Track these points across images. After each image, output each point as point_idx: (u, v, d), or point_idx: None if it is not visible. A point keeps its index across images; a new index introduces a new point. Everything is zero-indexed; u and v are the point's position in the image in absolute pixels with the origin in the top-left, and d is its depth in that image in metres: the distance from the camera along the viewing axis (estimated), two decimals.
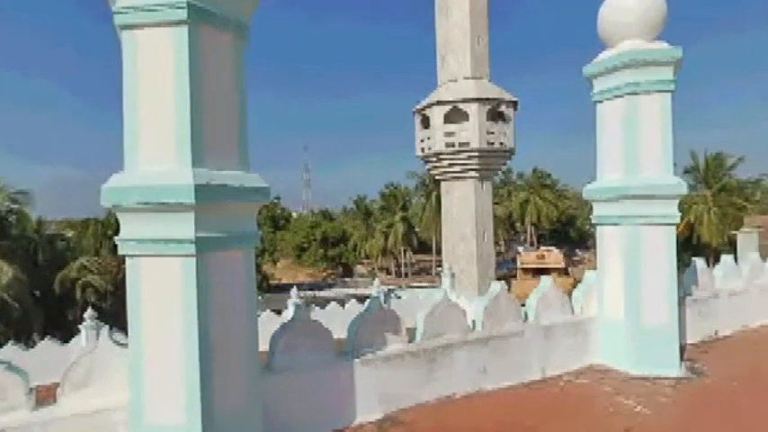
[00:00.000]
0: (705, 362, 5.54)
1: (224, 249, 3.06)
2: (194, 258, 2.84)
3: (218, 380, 3.01)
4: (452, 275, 14.06)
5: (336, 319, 10.40)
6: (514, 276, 48.08)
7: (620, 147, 5.33)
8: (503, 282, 5.45)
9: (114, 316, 20.72)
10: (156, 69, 2.91)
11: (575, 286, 6.00)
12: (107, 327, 4.29)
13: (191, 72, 2.88)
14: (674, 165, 5.27)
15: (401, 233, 56.94)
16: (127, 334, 2.97)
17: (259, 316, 9.75)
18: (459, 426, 4.09)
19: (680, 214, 5.31)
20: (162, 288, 2.89)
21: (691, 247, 37.51)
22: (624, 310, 5.34)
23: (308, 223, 67.48)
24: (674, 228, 5.26)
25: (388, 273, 62.07)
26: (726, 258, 7.30)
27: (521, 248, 61.96)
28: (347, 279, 57.10)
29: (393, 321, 4.47)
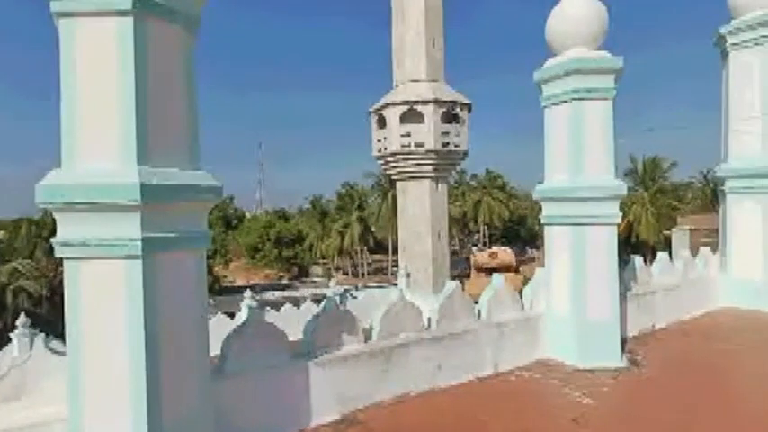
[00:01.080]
0: (643, 353, 5.90)
1: (172, 250, 2.94)
2: (140, 260, 2.72)
3: (167, 388, 2.88)
4: (408, 275, 14.19)
5: (292, 321, 10.20)
6: (468, 275, 49.18)
7: (566, 150, 5.58)
8: (457, 280, 5.57)
9: (50, 323, 19.42)
10: (97, 61, 2.75)
11: (525, 284, 6.23)
12: (42, 334, 4.02)
13: (136, 65, 2.75)
14: (616, 168, 5.59)
15: (357, 233, 56.91)
16: (65, 342, 2.79)
17: (210, 319, 9.44)
18: (415, 423, 4.14)
19: (621, 214, 5.63)
20: (104, 292, 2.74)
21: (630, 245, 39.87)
22: (570, 305, 5.60)
23: (263, 223, 66.05)
24: (616, 227, 5.57)
25: (345, 273, 61.85)
26: (661, 255, 7.80)
27: (474, 248, 63.52)
28: (303, 280, 56.38)
29: (349, 321, 4.46)
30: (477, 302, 5.56)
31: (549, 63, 5.75)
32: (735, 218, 8.28)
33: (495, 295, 5.56)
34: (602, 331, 5.52)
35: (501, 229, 69.29)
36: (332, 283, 15.22)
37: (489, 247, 59.05)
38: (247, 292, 13.74)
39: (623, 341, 5.91)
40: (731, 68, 8.22)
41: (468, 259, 55.58)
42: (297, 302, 13.78)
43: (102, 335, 2.76)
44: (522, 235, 72.30)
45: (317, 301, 14.79)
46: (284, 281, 57.16)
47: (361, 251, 60.19)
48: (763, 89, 7.87)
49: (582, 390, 4.79)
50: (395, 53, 14.27)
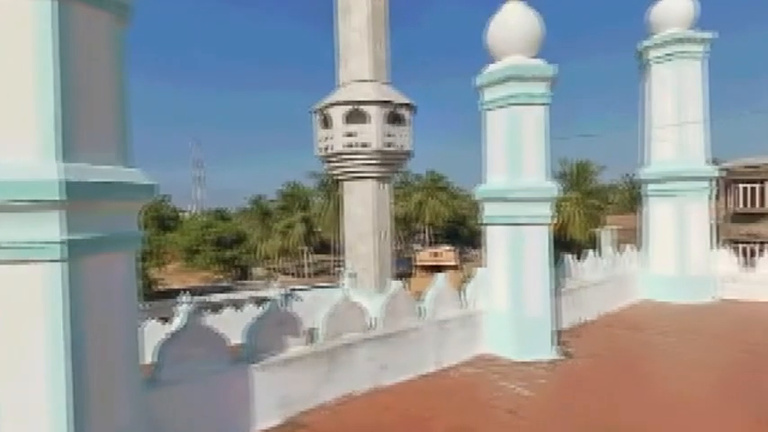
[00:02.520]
0: (574, 344, 6.28)
1: (100, 253, 2.74)
2: (62, 264, 2.50)
3: (94, 401, 2.68)
4: (353, 275, 14.17)
5: (232, 324, 9.86)
6: (412, 274, 49.95)
7: (504, 153, 5.82)
8: (401, 280, 5.64)
9: None
10: (11, 44, 2.51)
11: (466, 282, 6.42)
12: None
13: (60, 52, 2.53)
14: (549, 170, 5.90)
15: (301, 233, 56.06)
16: None
17: (143, 325, 8.92)
18: (359, 423, 4.14)
19: (554, 214, 5.95)
20: (20, 299, 2.50)
21: (562, 243, 42.21)
22: (508, 302, 5.84)
23: (201, 223, 63.25)
24: (550, 227, 5.88)
25: (288, 274, 60.70)
26: (589, 253, 8.34)
27: (418, 247, 64.62)
28: (244, 282, 54.63)
29: (293, 323, 4.38)
30: (420, 301, 5.66)
31: (489, 69, 5.96)
32: (653, 218, 9.02)
33: (437, 294, 5.68)
34: (537, 326, 5.81)
35: (443, 228, 70.98)
36: (274, 284, 14.90)
37: (432, 247, 60.34)
38: (184, 296, 13.13)
39: (556, 334, 6.25)
40: (649, 80, 8.95)
41: (411, 258, 56.46)
42: (238, 305, 13.34)
43: (17, 347, 2.51)
44: (464, 234, 74.47)
45: (259, 303, 14.42)
46: (224, 283, 55.12)
47: (305, 251, 59.36)
48: (676, 100, 8.63)
49: (519, 382, 5.02)
50: (339, 53, 14.19)
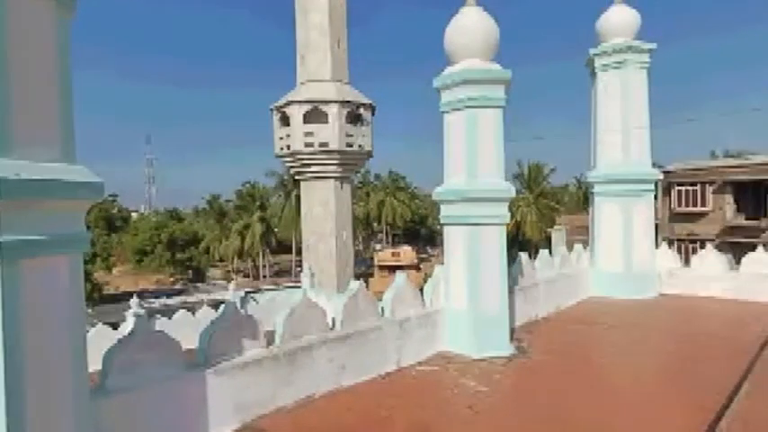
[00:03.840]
0: (529, 341, 6.49)
1: (41, 255, 2.57)
2: None
3: (34, 415, 2.52)
4: (312, 275, 14.04)
5: (187, 329, 9.56)
6: (372, 274, 50.05)
7: (462, 154, 5.94)
8: (361, 279, 5.63)
9: None
10: None
11: (426, 281, 6.50)
12: None
13: None
14: (505, 172, 6.07)
15: (259, 234, 54.90)
16: None
17: (89, 331, 8.46)
18: (317, 425, 4.11)
19: (510, 214, 6.13)
20: None
21: (517, 243, 43.58)
22: (466, 300, 5.96)
23: (153, 224, 60.70)
24: (506, 227, 6.05)
25: (246, 275, 59.30)
26: (543, 252, 8.65)
27: (378, 247, 64.83)
28: (199, 284, 52.88)
29: (250, 326, 4.29)
30: (380, 300, 5.68)
31: (447, 71, 6.07)
32: (601, 218, 9.46)
33: (397, 293, 5.72)
34: (494, 323, 5.96)
35: (403, 228, 71.57)
36: (231, 286, 14.52)
37: (392, 247, 60.69)
38: (134, 300, 12.56)
39: (512, 331, 6.45)
40: (597, 86, 9.38)
41: (371, 258, 56.57)
42: (192, 309, 12.89)
43: None
44: (423, 234, 75.41)
45: (215, 306, 13.98)
46: (178, 286, 53.16)
47: (263, 252, 58.20)
48: (623, 106, 9.09)
49: (477, 379, 5.13)
50: (298, 50, 14.02)
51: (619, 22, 9.04)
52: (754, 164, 24.18)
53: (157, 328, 3.79)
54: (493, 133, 5.89)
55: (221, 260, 60.30)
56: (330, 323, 5.02)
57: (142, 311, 11.69)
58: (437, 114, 6.24)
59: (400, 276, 5.93)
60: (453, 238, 6.12)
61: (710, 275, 9.10)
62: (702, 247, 10.09)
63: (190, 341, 4.11)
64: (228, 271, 59.64)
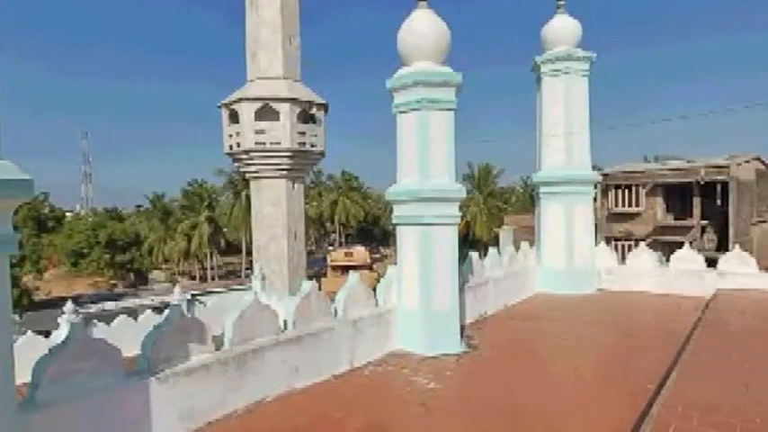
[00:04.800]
0: (478, 337, 6.67)
1: None
2: None
3: None
4: (263, 277, 13.72)
5: (128, 335, 9.09)
6: (325, 274, 49.63)
7: (415, 155, 6.01)
8: (314, 280, 5.58)
9: None
10: None
11: (379, 281, 6.53)
12: None
13: None
14: (456, 173, 6.21)
15: (207, 234, 52.95)
16: None
17: (16, 341, 7.83)
18: (268, 429, 4.03)
19: (461, 214, 6.28)
20: None
21: (467, 242, 44.71)
22: (419, 299, 6.05)
23: (89, 224, 57.01)
24: (457, 226, 6.19)
25: (192, 278, 57.04)
26: (492, 251, 8.92)
27: (331, 247, 64.37)
28: (141, 288, 50.28)
29: (197, 330, 4.13)
30: (333, 301, 5.65)
31: (399, 73, 6.13)
32: (546, 218, 9.89)
33: (350, 293, 5.71)
34: (446, 321, 6.08)
35: (356, 228, 71.50)
36: (176, 289, 13.93)
37: (345, 247, 60.47)
38: (68, 305, 11.75)
39: (462, 328, 6.60)
40: (542, 92, 9.80)
41: (324, 258, 56.09)
42: (134, 314, 12.26)
43: None
44: (376, 234, 75.67)
45: (158, 310, 13.37)
46: (118, 290, 50.27)
47: (211, 253, 56.23)
48: (565, 111, 9.55)
49: (428, 376, 5.22)
50: (249, 46, 13.64)
51: (561, 31, 9.49)
52: (677, 168, 26.15)
53: (95, 335, 3.57)
54: (444, 135, 6.01)
55: (166, 262, 57.65)
56: (282, 325, 4.93)
57: (78, 318, 10.97)
58: (390, 115, 6.28)
59: (353, 276, 5.92)
60: (406, 238, 6.18)
61: (644, 272, 9.75)
62: (637, 245, 10.80)
63: (132, 348, 3.91)
64: (173, 273, 57.13)
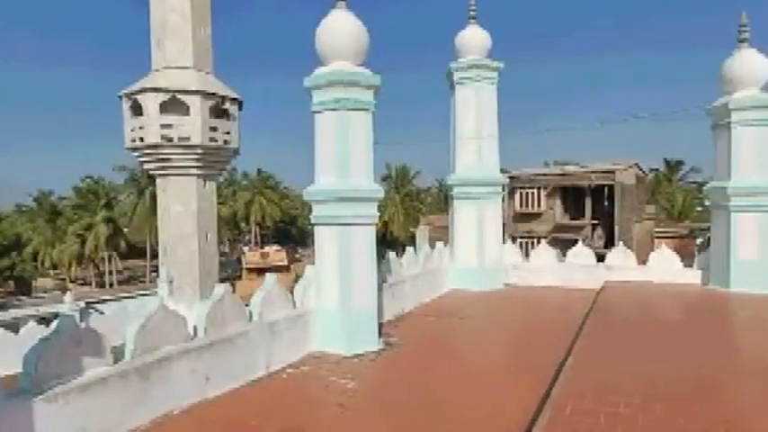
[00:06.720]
0: (397, 334, 6.81)
1: None
2: None
3: None
4: (171, 281, 12.81)
5: (8, 350, 8.03)
6: (240, 277, 47.62)
7: (333, 154, 5.98)
8: (227, 283, 5.32)
9: None
10: None
11: (297, 282, 6.41)
12: None
13: None
14: (374, 173, 6.29)
15: (104, 236, 48.24)
16: None
17: None
18: None
19: (379, 214, 6.36)
20: None
21: (385, 241, 45.55)
22: (338, 299, 6.03)
23: None
24: (375, 226, 6.26)
25: (87, 284, 51.70)
26: (409, 250, 9.16)
27: (246, 248, 61.88)
28: (23, 297, 44.52)
29: (92, 341, 3.75)
30: (248, 304, 5.43)
31: (317, 72, 6.06)
32: (458, 217, 10.37)
33: (266, 295, 5.53)
34: (365, 320, 6.12)
35: (273, 228, 69.54)
36: (67, 297, 12.57)
37: (261, 247, 58.53)
38: None
39: (381, 326, 6.69)
40: (456, 97, 10.26)
41: (239, 260, 53.84)
42: (14, 326, 10.86)
43: None
44: (294, 234, 74.21)
45: (45, 321, 11.96)
46: None
47: (110, 257, 51.39)
48: (477, 117, 10.08)
49: (347, 376, 5.22)
50: (154, 32, 12.65)
51: (472, 40, 10.00)
52: (572, 173, 28.91)
53: None
54: (363, 135, 6.05)
55: (54, 268, 51.68)
56: (192, 332, 4.65)
57: None
58: (309, 113, 6.19)
59: (270, 278, 5.75)
60: (324, 238, 6.13)
61: (545, 268, 10.61)
62: (539, 243, 11.71)
63: (11, 365, 3.44)
64: (64, 279, 51.36)
